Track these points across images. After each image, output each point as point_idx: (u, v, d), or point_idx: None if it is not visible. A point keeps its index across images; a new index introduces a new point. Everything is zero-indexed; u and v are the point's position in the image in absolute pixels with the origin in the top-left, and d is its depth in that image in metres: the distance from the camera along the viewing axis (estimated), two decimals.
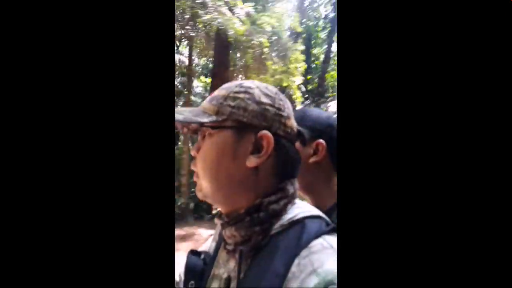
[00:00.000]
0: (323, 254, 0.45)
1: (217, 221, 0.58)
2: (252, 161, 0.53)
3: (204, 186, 0.56)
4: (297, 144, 0.85)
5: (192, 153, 0.59)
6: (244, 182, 0.53)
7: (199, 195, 0.58)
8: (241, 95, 0.55)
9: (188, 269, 0.59)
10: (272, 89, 0.58)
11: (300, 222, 0.50)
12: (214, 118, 0.54)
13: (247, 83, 0.58)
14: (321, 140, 0.80)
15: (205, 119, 0.54)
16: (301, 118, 0.83)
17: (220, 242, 0.60)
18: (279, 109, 0.56)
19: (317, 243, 0.47)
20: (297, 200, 0.56)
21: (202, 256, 0.61)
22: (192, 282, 0.58)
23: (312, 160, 0.80)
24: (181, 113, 0.55)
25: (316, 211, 0.54)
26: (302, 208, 0.54)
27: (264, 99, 0.55)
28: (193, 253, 0.62)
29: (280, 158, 0.54)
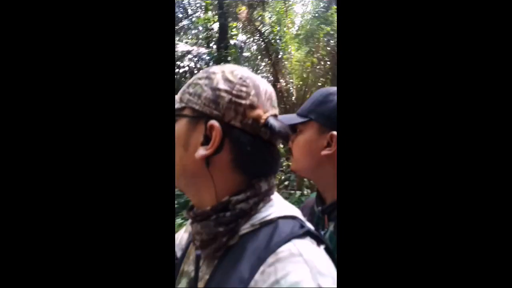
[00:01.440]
0: (290, 263, 0.41)
1: (186, 214, 0.55)
2: (199, 153, 0.49)
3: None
4: (311, 134, 0.81)
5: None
6: (197, 175, 0.50)
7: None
8: (201, 81, 0.51)
9: None
10: (240, 74, 0.52)
11: (272, 223, 0.47)
12: (177, 105, 0.52)
13: (215, 67, 0.53)
14: (335, 133, 0.75)
15: (175, 106, 0.52)
16: (320, 103, 0.79)
17: (190, 236, 0.57)
18: (238, 96, 0.50)
19: (285, 249, 0.43)
20: (274, 197, 0.52)
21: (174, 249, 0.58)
22: None
23: (324, 152, 0.76)
24: None
25: (292, 211, 0.50)
26: (277, 207, 0.50)
27: (222, 85, 0.50)
28: None
29: (237, 153, 0.49)
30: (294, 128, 0.83)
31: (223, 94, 0.49)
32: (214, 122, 0.48)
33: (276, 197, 0.53)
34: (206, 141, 0.49)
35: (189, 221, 0.58)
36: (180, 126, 0.51)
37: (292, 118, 0.83)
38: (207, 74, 0.52)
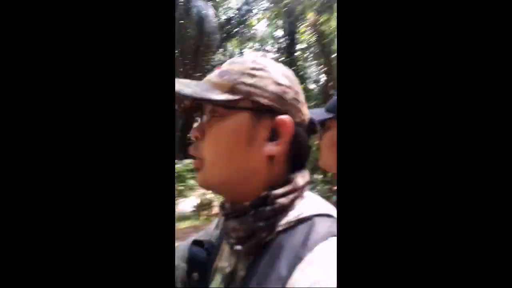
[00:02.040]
0: (328, 262, 0.41)
1: (219, 211, 0.53)
2: (270, 149, 0.47)
3: (211, 174, 0.49)
4: (331, 124, 0.80)
5: (193, 135, 0.51)
6: (258, 172, 0.48)
7: (203, 184, 0.51)
8: (260, 73, 0.48)
9: (191, 259, 0.56)
10: (289, 70, 0.52)
11: (308, 220, 0.46)
12: (229, 96, 0.47)
13: (264, 59, 0.52)
14: None
15: (218, 96, 0.47)
16: None
17: (223, 232, 0.54)
18: (297, 93, 0.50)
19: (323, 247, 0.42)
20: (306, 194, 0.50)
21: (205, 246, 0.57)
22: (196, 273, 0.55)
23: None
24: (187, 85, 0.48)
25: (327, 209, 0.49)
26: (311, 204, 0.49)
27: (283, 80, 0.49)
28: (196, 242, 0.57)
29: (294, 148, 0.49)
30: (322, 124, 0.83)
31: (287, 89, 0.49)
32: (286, 118, 0.47)
33: (308, 193, 0.51)
34: (272, 137, 0.47)
35: (219, 217, 0.58)
36: (240, 119, 0.47)
37: (321, 113, 0.83)
38: (262, 66, 0.49)
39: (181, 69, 9.24)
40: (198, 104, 0.52)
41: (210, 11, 9.27)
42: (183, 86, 0.47)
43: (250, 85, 0.47)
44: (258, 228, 0.46)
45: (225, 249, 0.53)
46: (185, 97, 0.48)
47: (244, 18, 10.68)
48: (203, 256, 0.55)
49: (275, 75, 0.49)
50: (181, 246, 0.60)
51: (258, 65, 0.49)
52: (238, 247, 0.47)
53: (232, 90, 0.47)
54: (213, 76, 0.50)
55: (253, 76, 0.48)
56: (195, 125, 0.51)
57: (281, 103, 0.48)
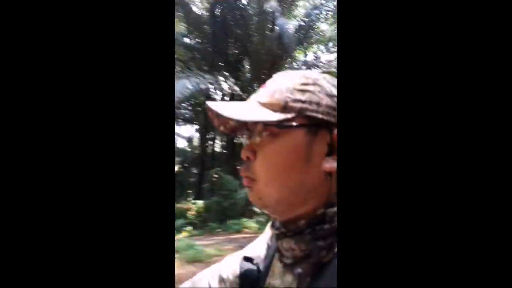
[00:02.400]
0: None
1: (271, 230, 0.52)
2: (330, 165, 0.45)
3: (266, 194, 0.48)
4: None
5: (244, 156, 0.50)
6: (317, 189, 0.46)
7: (256, 203, 0.50)
8: (311, 88, 0.47)
9: (244, 275, 0.55)
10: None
11: None
12: (282, 115, 0.45)
13: (311, 73, 0.50)
14: None
15: (272, 117, 0.46)
16: None
17: (275, 250, 0.52)
18: None
19: None
20: None
21: (255, 262, 0.55)
22: None
23: None
24: (235, 109, 0.48)
25: None
26: None
27: (335, 92, 0.47)
28: (246, 259, 0.56)
29: None
30: None
31: None
32: None
33: None
34: (330, 152, 0.46)
35: (268, 233, 0.58)
36: (297, 137, 0.46)
37: None
38: (312, 80, 0.48)
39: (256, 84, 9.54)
40: (244, 124, 0.50)
41: (289, 26, 9.40)
42: (231, 110, 0.47)
43: (304, 101, 0.46)
44: (316, 247, 0.44)
45: (277, 265, 0.52)
46: (230, 119, 0.46)
47: (313, 22, 10.67)
48: (255, 273, 0.54)
49: (327, 87, 0.47)
50: (231, 260, 0.60)
51: (308, 79, 0.48)
52: (299, 271, 0.46)
53: (285, 108, 0.46)
54: (260, 95, 0.49)
55: (305, 91, 0.47)
56: (245, 145, 0.50)
57: (335, 116, 0.46)
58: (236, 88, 9.28)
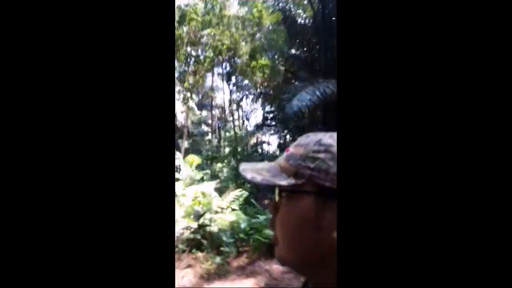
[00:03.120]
0: None
1: None
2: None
3: (285, 252, 0.50)
4: None
5: (271, 211, 0.52)
6: (331, 257, 0.44)
7: (279, 260, 0.51)
8: (321, 155, 0.47)
9: None
10: None
11: None
12: (292, 181, 0.48)
13: (327, 138, 0.49)
14: None
15: (284, 181, 0.48)
16: None
17: None
18: None
19: None
20: None
21: None
22: None
23: None
24: (260, 172, 0.51)
25: None
26: None
27: None
28: None
29: None
30: None
31: None
32: None
33: None
34: None
35: None
36: (306, 203, 0.47)
37: None
38: (324, 147, 0.48)
39: None
40: None
41: None
42: (255, 173, 0.51)
43: (313, 169, 0.47)
44: None
45: None
46: (257, 183, 0.50)
47: None
48: None
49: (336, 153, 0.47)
50: None
51: (321, 146, 0.48)
52: None
53: (296, 174, 0.48)
54: (282, 159, 0.52)
55: (315, 159, 0.48)
56: (271, 200, 0.53)
57: None
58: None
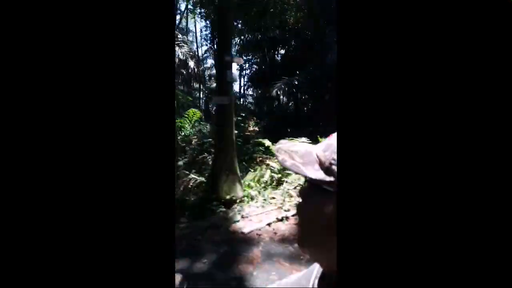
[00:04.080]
0: None
1: (318, 282, 0.51)
2: None
3: (305, 242, 0.48)
4: None
5: (298, 195, 0.49)
6: None
7: (299, 245, 0.49)
8: None
9: None
10: None
11: None
12: (322, 175, 0.43)
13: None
14: None
15: (313, 174, 0.43)
16: None
17: None
18: None
19: None
20: None
21: None
22: None
23: None
24: (292, 156, 0.46)
25: None
26: None
27: None
28: None
29: None
30: None
31: None
32: None
33: None
34: None
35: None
36: (328, 205, 0.43)
37: None
38: None
39: None
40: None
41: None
42: (288, 156, 0.46)
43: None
44: None
45: None
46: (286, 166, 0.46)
47: None
48: None
49: None
50: None
51: None
52: None
53: (327, 170, 0.43)
54: (321, 145, 0.47)
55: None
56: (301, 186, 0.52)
57: None
58: None
